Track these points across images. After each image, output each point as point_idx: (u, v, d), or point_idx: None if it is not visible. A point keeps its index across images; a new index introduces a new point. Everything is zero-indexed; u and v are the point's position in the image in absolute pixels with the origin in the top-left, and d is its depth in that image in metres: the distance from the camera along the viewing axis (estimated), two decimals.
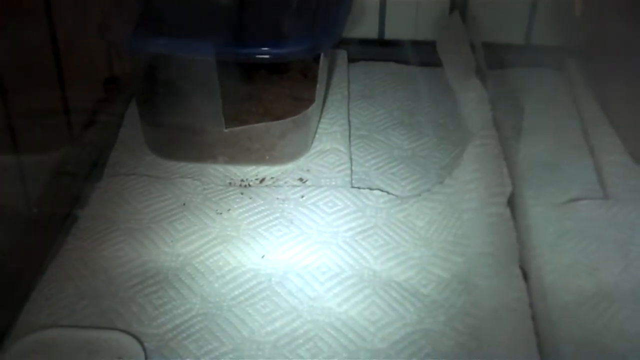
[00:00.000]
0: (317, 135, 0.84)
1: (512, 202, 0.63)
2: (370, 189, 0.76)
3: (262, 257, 0.68)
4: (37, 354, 0.58)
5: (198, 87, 0.74)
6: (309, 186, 0.77)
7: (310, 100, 0.79)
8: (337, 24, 0.77)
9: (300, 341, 0.60)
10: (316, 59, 0.79)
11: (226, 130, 0.77)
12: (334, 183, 0.77)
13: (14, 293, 0.64)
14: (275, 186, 0.77)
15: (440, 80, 0.95)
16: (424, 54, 0.99)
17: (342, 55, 0.99)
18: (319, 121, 0.85)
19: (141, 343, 0.59)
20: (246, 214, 0.73)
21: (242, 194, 0.75)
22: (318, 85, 0.79)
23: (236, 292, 0.65)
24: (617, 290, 0.62)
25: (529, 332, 0.53)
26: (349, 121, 0.87)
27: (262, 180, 0.78)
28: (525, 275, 0.57)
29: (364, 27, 1.01)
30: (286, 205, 0.74)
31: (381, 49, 1.02)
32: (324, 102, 0.88)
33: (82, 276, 0.65)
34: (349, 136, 0.85)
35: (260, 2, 0.82)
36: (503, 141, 0.71)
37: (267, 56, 0.71)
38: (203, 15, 0.79)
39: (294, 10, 0.79)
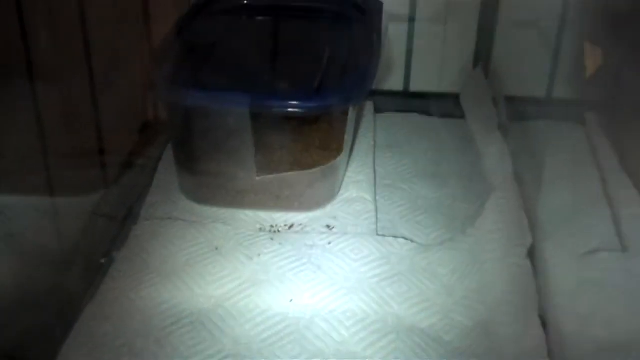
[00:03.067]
0: (343, 184, 0.87)
1: (532, 254, 0.65)
2: (395, 237, 0.79)
3: (291, 301, 0.71)
4: None
5: (232, 136, 0.78)
6: (336, 233, 0.80)
7: (338, 151, 0.83)
8: (366, 79, 0.80)
9: None
10: (345, 111, 0.82)
11: (257, 178, 0.80)
12: (359, 230, 0.80)
13: (54, 331, 0.67)
14: (303, 232, 0.80)
15: (463, 132, 0.98)
16: (447, 106, 1.03)
17: (368, 106, 1.03)
18: (345, 170, 0.89)
19: None
20: (276, 259, 0.76)
21: (271, 239, 0.78)
22: (346, 137, 0.83)
23: (265, 335, 0.67)
24: (634, 342, 0.64)
25: None
26: (375, 170, 0.91)
27: (291, 226, 0.81)
28: (544, 324, 0.59)
29: (390, 79, 1.05)
30: (314, 251, 0.77)
31: (406, 101, 1.06)
32: (351, 152, 0.92)
33: (118, 316, 0.68)
34: (375, 185, 0.88)
35: (293, 56, 0.86)
36: (524, 194, 0.74)
37: (299, 110, 0.75)
38: (238, 67, 0.83)
39: (326, 64, 0.83)
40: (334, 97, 0.77)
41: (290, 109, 0.75)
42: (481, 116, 0.93)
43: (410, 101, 1.05)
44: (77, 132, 0.95)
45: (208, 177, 0.82)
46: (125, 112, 1.01)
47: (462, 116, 1.01)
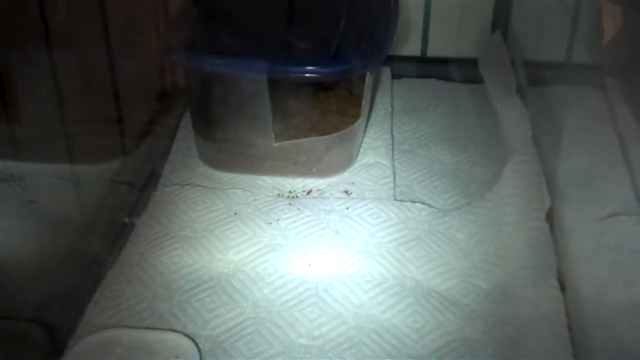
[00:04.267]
0: (361, 150, 0.87)
1: (550, 217, 0.65)
2: (413, 202, 0.79)
3: (309, 265, 0.71)
4: (100, 353, 0.62)
5: (250, 103, 0.78)
6: (354, 198, 0.80)
7: (356, 117, 0.83)
8: (384, 44, 0.80)
9: (346, 346, 0.63)
10: (362, 77, 0.82)
11: (275, 144, 0.80)
12: (377, 196, 0.81)
13: (77, 296, 0.68)
14: (321, 198, 0.80)
15: (482, 97, 0.98)
16: (465, 71, 1.02)
17: (385, 72, 1.02)
18: (363, 136, 0.89)
19: (196, 344, 0.63)
20: (294, 224, 0.76)
21: (290, 204, 0.79)
22: (363, 102, 0.83)
23: (285, 298, 0.68)
24: None
25: (566, 342, 0.56)
26: (392, 136, 0.91)
27: (309, 192, 0.81)
28: (563, 288, 0.60)
29: (408, 45, 1.04)
30: (332, 217, 0.77)
31: (424, 66, 1.05)
32: (368, 117, 0.92)
33: (140, 280, 0.70)
34: (392, 150, 0.88)
35: (310, 21, 0.86)
36: (542, 158, 0.74)
37: (316, 75, 0.75)
38: (255, 33, 0.83)
39: (342, 30, 0.83)
40: (352, 63, 0.77)
41: (307, 75, 0.75)
42: (499, 80, 0.93)
43: (428, 66, 1.05)
44: (96, 100, 0.96)
45: (226, 144, 0.82)
46: (143, 80, 1.01)
47: (480, 81, 1.00)
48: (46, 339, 0.63)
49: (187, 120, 0.92)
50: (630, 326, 0.63)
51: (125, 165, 0.88)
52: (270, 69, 0.75)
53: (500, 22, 1.02)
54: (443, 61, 1.05)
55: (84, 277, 0.70)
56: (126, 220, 0.77)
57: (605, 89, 0.96)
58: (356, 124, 0.82)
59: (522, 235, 0.68)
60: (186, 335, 0.64)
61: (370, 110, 0.93)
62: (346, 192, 0.81)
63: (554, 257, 0.63)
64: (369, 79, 0.82)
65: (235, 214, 0.78)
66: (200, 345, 0.63)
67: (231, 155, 0.83)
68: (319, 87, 0.81)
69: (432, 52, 1.05)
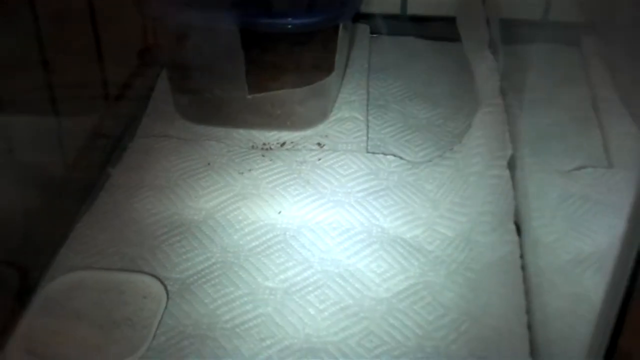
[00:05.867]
0: (336, 104, 0.89)
1: (512, 165, 0.67)
2: (384, 154, 0.81)
3: (279, 213, 0.73)
4: (71, 292, 0.64)
5: (223, 55, 0.79)
6: (326, 150, 0.81)
7: (330, 70, 0.84)
8: None
9: (310, 289, 0.65)
10: (335, 30, 0.83)
11: (249, 97, 0.82)
12: (350, 148, 0.82)
13: (52, 239, 0.70)
14: (294, 150, 0.82)
15: (458, 55, 0.99)
16: (444, 30, 1.03)
17: (364, 29, 1.03)
18: (339, 91, 0.90)
19: (164, 285, 0.65)
20: (266, 174, 0.78)
21: (263, 156, 0.80)
22: (337, 56, 0.84)
23: (253, 244, 0.70)
24: (608, 253, 0.65)
25: (519, 282, 0.57)
26: (368, 92, 0.92)
27: (283, 144, 0.83)
28: (519, 231, 0.61)
29: (387, 3, 1.05)
30: (304, 167, 0.79)
31: (403, 24, 1.06)
32: (345, 73, 0.93)
33: (113, 226, 0.71)
34: (367, 105, 0.89)
35: None
36: (509, 109, 0.75)
37: (289, 26, 0.76)
38: None
39: None
40: (323, 15, 0.78)
41: (279, 26, 0.76)
42: (474, 37, 0.93)
43: (407, 25, 1.05)
44: (78, 55, 0.97)
45: (201, 96, 0.84)
46: (124, 37, 1.02)
47: (458, 39, 1.01)
48: (17, 280, 0.65)
49: (165, 76, 0.93)
50: (589, 272, 0.65)
51: (105, 119, 0.90)
52: (242, 21, 0.75)
53: None
54: (422, 19, 1.05)
55: (58, 222, 0.72)
56: (110, 169, 0.78)
57: (580, 46, 0.97)
58: (329, 77, 0.83)
59: (484, 183, 0.69)
60: (155, 276, 0.66)
61: (347, 66, 0.94)
62: (319, 144, 0.83)
63: (512, 202, 0.64)
64: (342, 32, 0.83)
65: (209, 164, 0.79)
66: (169, 287, 0.65)
67: (206, 107, 0.84)
68: (293, 40, 0.82)
69: (411, 10, 1.06)
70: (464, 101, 0.90)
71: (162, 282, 0.65)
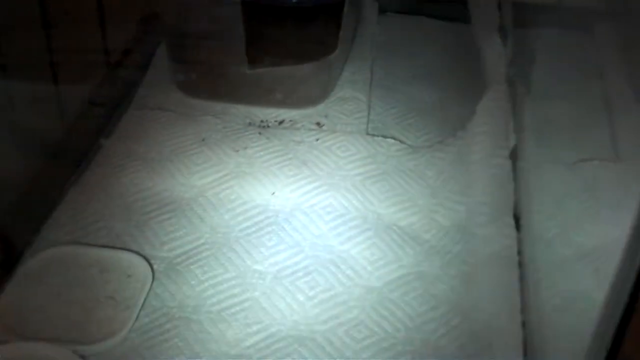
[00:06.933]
0: (339, 83, 0.86)
1: (514, 155, 0.64)
2: (385, 137, 0.78)
3: (273, 194, 0.71)
4: (53, 267, 0.62)
5: (224, 26, 0.76)
6: (325, 130, 0.79)
7: (334, 47, 0.81)
8: None
9: (300, 274, 0.63)
10: (340, 6, 0.80)
11: (249, 71, 0.79)
12: (349, 129, 0.79)
13: (37, 212, 0.68)
14: (292, 128, 0.79)
15: (468, 37, 0.95)
16: (455, 10, 1.00)
17: (372, 6, 1.00)
18: (342, 69, 0.87)
19: (150, 264, 0.63)
20: (261, 153, 0.75)
21: (260, 134, 0.78)
22: (341, 33, 0.81)
23: (244, 225, 0.68)
24: (609, 248, 0.63)
25: (514, 279, 0.55)
26: (372, 71, 0.89)
27: (281, 122, 0.80)
28: (518, 225, 0.59)
29: None
30: (300, 147, 0.76)
31: (413, 2, 1.02)
32: (349, 51, 0.90)
33: (100, 200, 0.69)
34: (370, 85, 0.86)
35: None
36: (515, 97, 0.72)
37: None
38: None
39: None
40: None
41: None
42: (484, 20, 0.90)
43: (418, 3, 1.02)
44: (79, 21, 0.95)
45: (199, 68, 0.81)
46: (125, 5, 0.99)
47: (468, 21, 0.98)
48: (1, 250, 0.63)
49: (164, 46, 0.90)
50: (590, 268, 0.63)
51: (102, 86, 0.87)
52: None
53: None
54: None
55: (46, 193, 0.70)
56: (103, 140, 0.76)
57: (594, 34, 0.94)
58: (333, 54, 0.81)
59: (485, 172, 0.67)
60: (140, 255, 0.64)
61: (352, 44, 0.91)
62: (318, 124, 0.80)
63: (512, 195, 0.62)
64: (347, 9, 0.80)
65: (203, 140, 0.77)
66: (155, 266, 0.63)
67: (204, 80, 0.82)
68: (297, 14, 0.79)
69: None
70: (470, 86, 0.87)
71: (148, 261, 0.63)
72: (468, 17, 0.99)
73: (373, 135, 0.79)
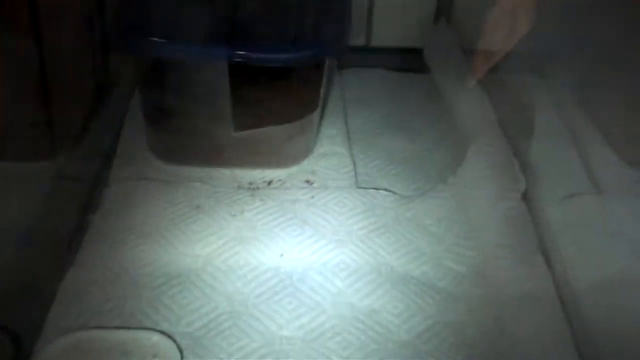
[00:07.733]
0: (317, 139, 0.86)
1: (527, 197, 0.66)
2: (376, 189, 0.78)
3: (281, 256, 0.69)
4: (70, 356, 0.58)
5: (209, 91, 0.75)
6: (317, 187, 0.78)
7: (315, 105, 0.81)
8: (344, 29, 0.79)
9: (329, 335, 0.62)
10: (318, 65, 0.81)
11: (235, 134, 0.78)
12: (340, 184, 0.79)
13: (38, 298, 0.64)
14: (283, 188, 0.78)
15: (429, 87, 0.98)
16: (410, 61, 1.03)
17: (332, 62, 1.01)
18: (320, 125, 0.87)
19: (175, 341, 0.60)
20: (259, 215, 0.74)
21: (252, 196, 0.77)
22: (322, 90, 0.81)
23: (259, 290, 0.66)
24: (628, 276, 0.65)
25: (559, 317, 0.56)
26: (347, 125, 0.89)
27: (270, 182, 0.79)
28: (548, 263, 0.60)
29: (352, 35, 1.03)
30: (297, 206, 0.75)
31: (368, 56, 1.04)
32: (325, 108, 0.90)
33: (105, 278, 0.66)
34: (349, 139, 0.87)
35: (259, 7, 0.83)
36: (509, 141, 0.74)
37: (283, 60, 0.73)
38: (204, 16, 0.80)
39: (295, 18, 0.81)
40: (313, 49, 0.75)
41: (273, 60, 0.73)
42: (450, 69, 0.93)
43: (372, 56, 1.04)
44: (28, 97, 0.91)
45: (182, 135, 0.79)
46: (76, 75, 0.96)
47: (425, 71, 1.00)
48: (10, 346, 0.59)
49: (133, 112, 0.88)
50: (608, 299, 0.63)
51: (69, 161, 0.83)
52: (233, 56, 0.72)
53: (444, 11, 1.03)
54: (387, 51, 1.04)
55: (43, 279, 0.66)
56: (91, 216, 0.72)
57: (547, 76, 0.98)
58: (316, 112, 0.81)
59: (496, 215, 0.68)
60: (163, 333, 0.61)
61: (325, 100, 0.92)
62: (308, 181, 0.80)
63: (535, 235, 0.63)
64: (327, 67, 0.81)
65: (198, 207, 0.74)
66: (178, 342, 0.60)
67: (187, 146, 0.80)
68: (278, 75, 0.79)
69: (376, 42, 1.05)
70: (445, 132, 0.89)
71: (171, 338, 0.60)
72: (422, 66, 1.02)
73: (364, 188, 0.79)
